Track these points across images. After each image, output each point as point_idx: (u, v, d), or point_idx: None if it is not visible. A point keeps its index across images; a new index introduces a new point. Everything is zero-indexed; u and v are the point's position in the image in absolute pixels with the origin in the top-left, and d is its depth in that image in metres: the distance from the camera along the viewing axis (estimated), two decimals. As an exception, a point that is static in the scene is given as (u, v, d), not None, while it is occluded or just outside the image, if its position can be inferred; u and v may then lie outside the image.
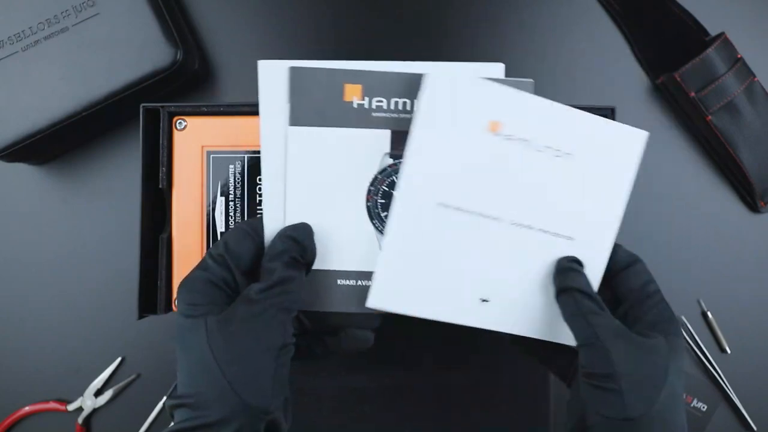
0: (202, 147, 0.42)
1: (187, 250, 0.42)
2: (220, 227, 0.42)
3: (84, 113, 0.49)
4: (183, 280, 0.33)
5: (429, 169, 0.34)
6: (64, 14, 0.49)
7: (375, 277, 0.34)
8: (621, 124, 0.36)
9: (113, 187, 0.55)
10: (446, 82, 0.34)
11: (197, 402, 0.30)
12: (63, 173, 0.55)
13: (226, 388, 0.29)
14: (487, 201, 0.34)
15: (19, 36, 0.49)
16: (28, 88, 0.49)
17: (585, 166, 0.35)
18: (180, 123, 0.42)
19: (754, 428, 0.54)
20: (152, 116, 0.42)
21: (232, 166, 0.42)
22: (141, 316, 0.41)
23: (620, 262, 0.36)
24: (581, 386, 0.32)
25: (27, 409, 0.54)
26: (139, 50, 0.49)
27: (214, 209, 0.42)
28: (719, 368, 0.54)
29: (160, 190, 0.42)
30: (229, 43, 0.56)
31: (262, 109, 0.35)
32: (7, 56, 0.49)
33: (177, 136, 0.42)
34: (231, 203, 0.42)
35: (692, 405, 0.54)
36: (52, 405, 0.53)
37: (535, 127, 0.35)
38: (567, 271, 0.35)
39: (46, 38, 0.49)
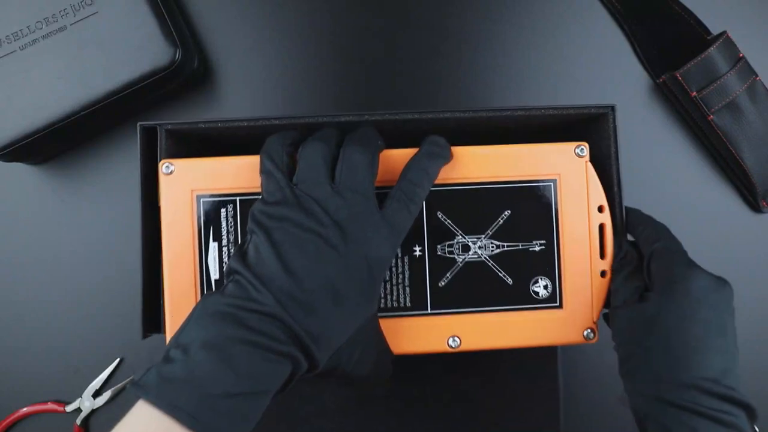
0: (192, 191, 0.40)
1: (181, 298, 0.40)
2: (214, 274, 0.40)
3: (82, 112, 0.49)
4: None
5: None
6: (62, 13, 0.49)
7: None
8: None
9: (112, 187, 0.55)
10: None
11: None
12: (61, 173, 0.55)
13: None
14: None
15: (17, 35, 0.49)
16: (27, 87, 0.49)
17: None
18: (167, 167, 0.39)
19: (756, 429, 0.54)
20: (150, 133, 0.41)
21: (224, 210, 0.40)
22: (145, 336, 0.40)
23: (630, 224, 0.41)
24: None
25: (25, 410, 0.53)
26: (138, 49, 0.49)
27: (207, 256, 0.40)
28: (721, 369, 0.54)
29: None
30: (229, 42, 0.56)
31: None
32: (6, 55, 0.49)
33: (164, 181, 0.39)
34: (224, 248, 0.40)
35: (694, 406, 0.54)
36: (50, 406, 0.53)
37: None
38: None
39: (44, 37, 0.49)
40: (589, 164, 0.41)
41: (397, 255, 0.40)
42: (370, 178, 0.35)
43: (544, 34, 0.56)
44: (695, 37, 0.55)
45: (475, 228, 0.40)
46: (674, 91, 0.54)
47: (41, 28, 0.49)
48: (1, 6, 0.49)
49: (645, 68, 0.56)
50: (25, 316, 0.55)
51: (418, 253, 0.40)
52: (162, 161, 0.39)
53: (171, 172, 0.39)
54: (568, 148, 0.40)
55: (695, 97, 0.53)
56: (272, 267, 0.33)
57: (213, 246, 0.40)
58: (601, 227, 0.41)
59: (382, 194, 0.36)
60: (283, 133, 0.37)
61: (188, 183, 0.39)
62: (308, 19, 0.56)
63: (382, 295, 0.40)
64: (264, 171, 0.36)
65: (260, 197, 0.36)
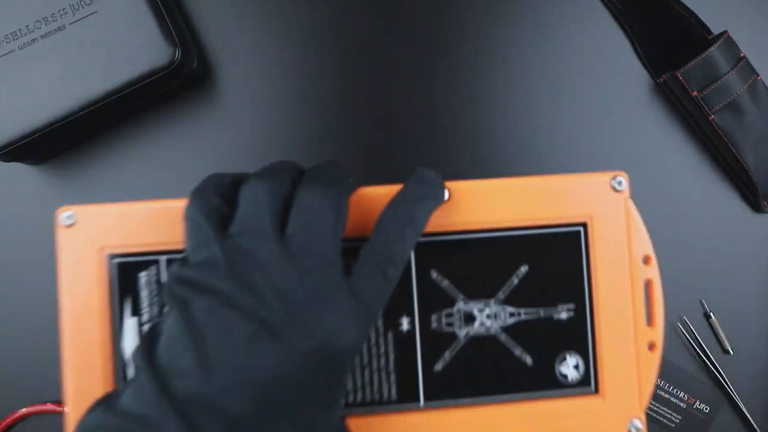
0: (101, 249, 0.30)
1: (86, 395, 0.30)
2: None
3: (81, 112, 0.49)
4: None
5: None
6: (61, 12, 0.49)
7: None
8: None
9: (111, 187, 0.54)
10: None
11: None
12: (61, 173, 0.55)
13: None
14: None
15: (16, 35, 0.49)
16: (26, 87, 0.49)
17: None
18: (67, 217, 0.31)
19: (757, 430, 0.54)
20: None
21: (144, 274, 0.30)
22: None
23: None
24: None
25: (24, 410, 0.53)
26: (137, 49, 0.49)
27: (121, 336, 0.30)
28: (722, 370, 0.54)
29: None
30: (229, 42, 0.56)
31: None
32: (4, 55, 0.49)
33: (63, 235, 0.31)
34: (146, 327, 0.31)
35: (695, 406, 0.54)
36: (50, 407, 0.53)
37: None
38: None
39: (43, 37, 0.49)
40: (630, 201, 0.33)
41: (377, 330, 0.31)
42: (335, 234, 0.26)
43: (544, 34, 0.56)
44: (696, 36, 0.55)
45: (481, 291, 0.31)
46: (675, 90, 0.54)
47: (40, 28, 0.49)
48: (0, 6, 0.49)
49: (645, 68, 0.56)
50: (25, 316, 0.54)
51: (405, 327, 0.31)
52: (60, 209, 0.31)
53: (72, 224, 0.31)
54: (601, 180, 0.32)
55: (696, 96, 0.52)
56: (186, 364, 0.23)
57: (130, 323, 0.30)
58: (648, 284, 0.32)
59: (352, 249, 0.27)
60: (223, 173, 0.28)
61: (95, 237, 0.30)
62: (308, 19, 0.56)
63: (358, 386, 0.30)
64: (187, 218, 0.26)
65: (181, 256, 0.27)
